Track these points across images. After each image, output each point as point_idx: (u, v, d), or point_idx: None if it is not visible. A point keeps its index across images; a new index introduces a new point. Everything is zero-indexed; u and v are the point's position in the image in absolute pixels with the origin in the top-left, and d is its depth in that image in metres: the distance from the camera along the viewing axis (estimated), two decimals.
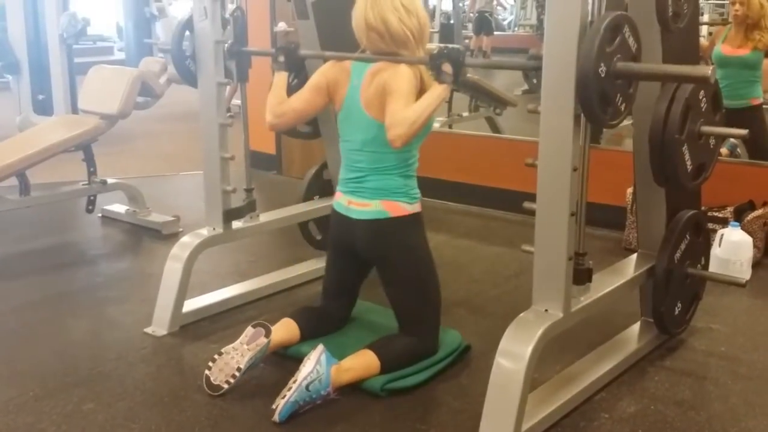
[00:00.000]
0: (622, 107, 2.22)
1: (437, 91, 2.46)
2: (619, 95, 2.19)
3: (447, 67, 2.42)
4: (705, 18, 5.53)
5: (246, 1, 5.51)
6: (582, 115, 2.17)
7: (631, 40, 2.21)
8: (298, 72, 3.23)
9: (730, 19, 4.51)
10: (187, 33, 3.17)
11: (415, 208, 2.68)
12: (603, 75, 2.11)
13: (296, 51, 2.88)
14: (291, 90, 2.86)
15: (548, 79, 2.18)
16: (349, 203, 2.69)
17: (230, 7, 3.23)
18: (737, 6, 4.30)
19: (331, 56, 2.79)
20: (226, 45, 3.12)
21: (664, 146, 2.51)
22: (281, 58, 2.85)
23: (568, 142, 2.17)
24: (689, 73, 2.23)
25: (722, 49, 4.38)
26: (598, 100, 2.12)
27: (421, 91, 2.53)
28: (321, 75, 2.73)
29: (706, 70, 2.12)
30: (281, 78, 2.83)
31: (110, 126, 4.31)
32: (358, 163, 2.66)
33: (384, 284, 2.75)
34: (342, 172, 2.75)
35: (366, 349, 2.60)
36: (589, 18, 2.14)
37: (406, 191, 2.66)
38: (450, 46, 2.46)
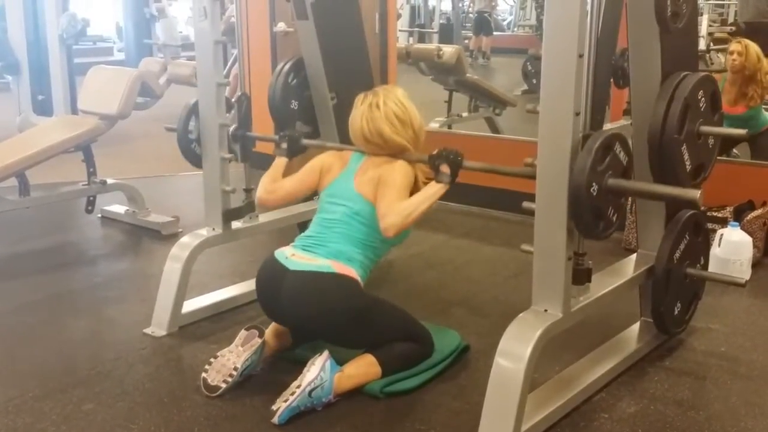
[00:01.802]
0: (614, 219, 2.28)
1: (434, 189, 2.53)
2: (610, 209, 2.25)
3: (445, 168, 2.51)
4: (704, 19, 5.52)
5: (245, 1, 5.50)
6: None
7: (621, 155, 2.27)
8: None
9: (727, 68, 4.50)
10: (193, 117, 3.23)
11: (361, 281, 2.59)
12: (595, 193, 2.17)
13: (299, 140, 2.96)
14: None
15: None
16: (292, 255, 2.59)
17: (228, 11, 3.25)
18: (735, 56, 4.33)
19: (333, 147, 2.92)
20: (231, 129, 3.19)
21: (663, 146, 2.52)
22: (283, 145, 2.94)
23: (566, 143, 2.17)
24: (679, 194, 2.29)
25: None
26: (590, 216, 2.19)
27: (414, 187, 2.62)
28: (318, 160, 2.82)
29: (695, 193, 2.17)
30: (280, 162, 2.92)
31: (110, 126, 4.32)
32: (329, 229, 2.63)
33: (334, 344, 2.62)
34: (302, 235, 2.71)
35: (367, 353, 2.60)
36: (588, 35, 2.15)
37: (363, 266, 2.61)
38: (448, 149, 2.52)
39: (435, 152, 2.54)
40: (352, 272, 2.55)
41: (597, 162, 2.16)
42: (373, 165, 2.66)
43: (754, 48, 4.33)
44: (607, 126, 4.18)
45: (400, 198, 2.53)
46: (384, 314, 2.64)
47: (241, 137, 3.23)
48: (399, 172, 2.60)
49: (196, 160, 3.28)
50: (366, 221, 2.59)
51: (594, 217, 2.21)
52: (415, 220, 2.50)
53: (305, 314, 2.53)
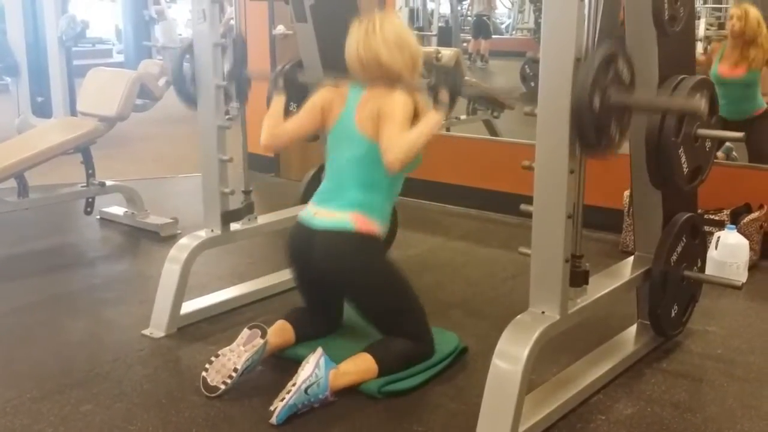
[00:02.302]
0: (617, 137, 2.25)
1: (434, 118, 2.51)
2: (613, 125, 2.22)
3: (443, 95, 2.48)
4: (702, 22, 5.53)
5: (245, 4, 5.51)
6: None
7: (624, 71, 2.23)
8: (299, 101, 3.24)
9: (727, 33, 4.51)
10: (187, 56, 3.19)
11: (383, 230, 2.64)
12: (597, 108, 2.13)
13: (295, 75, 2.93)
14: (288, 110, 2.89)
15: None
16: (315, 213, 2.64)
17: (229, 13, 3.26)
18: (735, 20, 4.31)
19: (329, 81, 2.83)
20: (227, 68, 3.15)
21: (660, 149, 2.53)
22: (280, 83, 2.89)
23: (564, 145, 2.18)
24: (682, 106, 2.26)
25: (719, 69, 4.39)
26: (593, 132, 2.15)
27: (414, 116, 2.57)
28: (316, 97, 2.77)
29: (698, 103, 2.15)
30: (279, 101, 2.85)
31: (109, 128, 4.32)
32: (342, 177, 2.65)
33: (353, 305, 2.70)
34: (321, 187, 2.73)
35: (364, 352, 2.61)
36: (585, 38, 2.15)
37: (382, 212, 2.64)
38: (446, 74, 2.51)
39: (432, 79, 2.50)
40: (373, 225, 2.59)
41: (600, 74, 2.12)
42: (372, 98, 2.60)
43: (754, 12, 4.30)
44: None
45: (401, 131, 2.49)
46: (401, 284, 2.67)
47: (236, 77, 3.20)
48: (398, 104, 2.54)
49: (191, 102, 3.24)
50: (374, 160, 2.55)
51: (597, 131, 2.16)
52: (418, 151, 2.48)
53: (332, 272, 2.60)
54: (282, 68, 2.92)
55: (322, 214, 2.62)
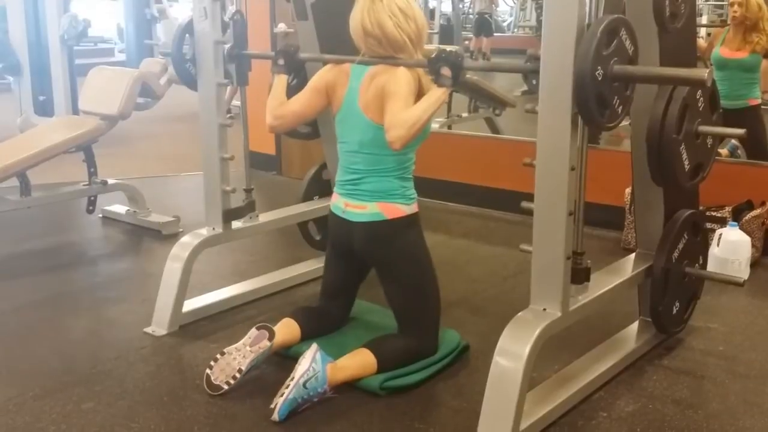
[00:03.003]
0: (620, 110, 2.23)
1: (436, 94, 2.47)
2: (616, 98, 2.20)
3: (446, 71, 2.44)
4: (704, 19, 5.53)
5: (246, 2, 5.51)
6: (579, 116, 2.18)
7: (627, 43, 2.21)
8: (298, 74, 3.24)
9: (728, 21, 4.51)
10: (188, 36, 3.18)
11: (411, 208, 2.68)
12: (600, 78, 2.12)
13: (296, 54, 2.88)
14: (290, 92, 2.87)
15: (546, 82, 2.19)
16: (346, 206, 2.69)
17: (230, 9, 3.24)
18: (736, 7, 4.31)
19: (330, 59, 2.81)
20: (226, 48, 3.13)
21: (661, 146, 2.53)
22: (281, 61, 2.85)
23: (565, 142, 2.18)
24: (687, 75, 2.24)
25: (721, 51, 4.39)
26: (595, 103, 2.13)
27: (419, 94, 2.54)
28: (320, 77, 2.74)
29: (702, 72, 2.13)
30: (281, 80, 2.83)
31: (110, 127, 4.32)
32: (354, 165, 2.66)
33: (383, 285, 2.76)
34: (339, 174, 2.75)
35: (362, 347, 2.61)
36: (587, 20, 2.14)
37: (403, 192, 2.66)
38: (449, 48, 2.47)
39: (434, 55, 2.47)
40: (399, 209, 2.64)
41: (602, 46, 2.11)
42: (376, 76, 2.58)
43: None
44: None
45: (404, 107, 2.46)
46: (428, 261, 2.74)
47: (236, 57, 3.17)
48: (401, 79, 2.51)
49: (190, 81, 3.23)
50: (381, 146, 2.54)
51: (599, 104, 2.15)
52: (421, 128, 2.45)
53: (373, 256, 2.71)
54: (282, 48, 2.89)
55: (352, 207, 2.67)
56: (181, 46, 3.20)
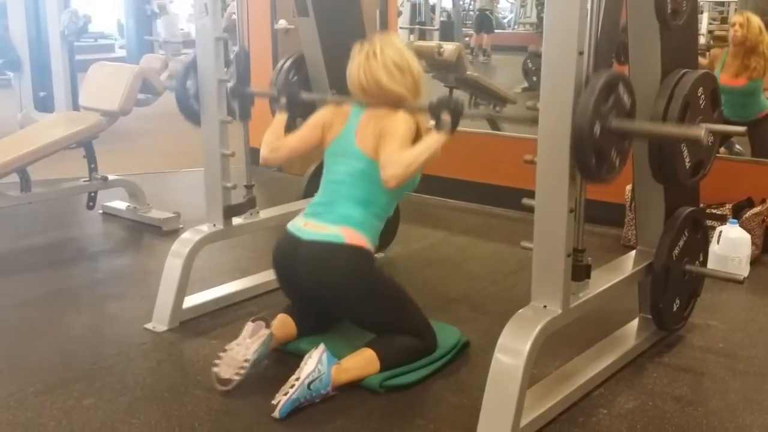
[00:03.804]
0: (617, 162, 2.26)
1: (434, 138, 2.51)
2: (614, 151, 2.23)
3: (446, 116, 2.48)
4: (704, 17, 5.51)
5: None
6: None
7: (625, 97, 2.24)
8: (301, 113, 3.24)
9: (729, 40, 4.50)
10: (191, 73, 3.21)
11: (372, 247, 2.62)
12: (598, 134, 2.14)
13: (298, 94, 2.94)
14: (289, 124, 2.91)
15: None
16: (305, 225, 2.63)
17: (229, 8, 3.25)
18: (737, 27, 4.30)
19: (332, 100, 2.87)
20: (229, 86, 3.16)
21: (663, 143, 2.53)
22: (282, 100, 2.90)
23: (566, 139, 2.18)
24: (683, 133, 2.27)
25: (721, 78, 4.35)
26: (593, 157, 2.16)
27: (415, 138, 2.58)
28: (318, 115, 2.79)
29: (699, 131, 2.16)
30: (281, 118, 2.88)
31: (111, 123, 4.32)
32: (335, 191, 2.65)
33: (347, 317, 2.69)
34: (313, 200, 2.73)
35: (366, 347, 2.61)
36: (588, 32, 2.15)
37: (372, 229, 2.63)
38: (448, 97, 2.52)
39: (435, 101, 2.51)
40: (363, 239, 2.56)
41: (600, 101, 2.13)
42: (374, 118, 2.62)
43: (756, 20, 4.29)
44: None
45: (401, 148, 2.49)
46: (392, 292, 2.66)
47: (239, 93, 3.21)
48: (400, 122, 2.55)
49: (194, 117, 3.25)
50: (370, 178, 2.56)
51: (597, 158, 2.17)
52: (417, 169, 2.48)
53: (319, 284, 2.57)
54: (284, 82, 2.93)
55: (311, 226, 2.61)
56: (186, 83, 3.22)
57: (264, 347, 2.59)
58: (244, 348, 2.56)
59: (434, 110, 2.50)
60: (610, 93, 2.17)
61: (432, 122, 2.52)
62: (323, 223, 2.59)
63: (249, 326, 2.62)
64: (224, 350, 2.59)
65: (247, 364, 2.53)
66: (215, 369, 2.56)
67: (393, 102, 2.62)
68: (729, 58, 4.38)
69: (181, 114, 3.30)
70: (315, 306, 2.76)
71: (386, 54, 2.61)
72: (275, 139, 2.79)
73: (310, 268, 2.56)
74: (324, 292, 2.61)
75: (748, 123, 4.22)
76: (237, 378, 2.53)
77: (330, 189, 2.67)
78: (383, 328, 2.65)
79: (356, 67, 2.64)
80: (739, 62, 4.32)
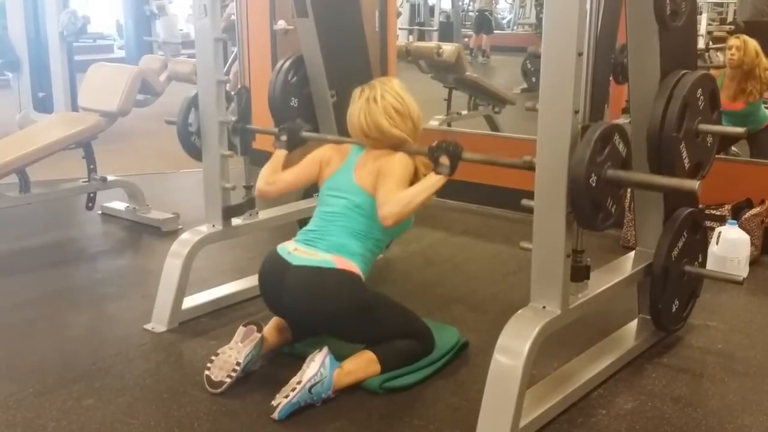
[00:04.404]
0: (613, 210, 2.29)
1: (433, 180, 2.54)
2: (609, 199, 2.26)
3: (444, 160, 2.52)
4: (704, 18, 5.52)
5: None
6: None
7: (621, 147, 2.27)
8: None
9: (725, 63, 4.51)
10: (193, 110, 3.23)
11: (363, 277, 2.60)
12: (594, 184, 2.17)
13: (299, 132, 2.98)
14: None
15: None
16: (294, 250, 2.61)
17: (228, 8, 3.25)
18: (734, 50, 4.33)
19: (332, 140, 2.91)
20: (231, 122, 3.18)
21: (661, 144, 2.53)
22: (283, 137, 2.94)
23: (565, 140, 2.18)
24: (677, 185, 2.29)
25: None
26: (589, 207, 2.19)
27: (414, 179, 2.62)
28: (318, 152, 2.82)
29: (693, 184, 2.18)
30: (280, 154, 2.92)
31: (110, 123, 4.32)
32: (330, 222, 2.64)
33: (339, 339, 2.66)
34: (304, 229, 2.73)
35: (366, 349, 2.61)
36: (587, 32, 2.15)
37: (363, 259, 2.61)
38: (448, 141, 2.55)
39: (434, 144, 2.56)
40: (354, 267, 2.56)
41: (596, 153, 2.16)
42: (373, 157, 2.67)
43: (752, 44, 4.34)
44: None
45: (399, 188, 2.53)
46: (386, 310, 2.65)
47: (241, 130, 3.24)
48: (399, 163, 2.60)
49: (196, 153, 3.28)
50: (366, 213, 2.60)
51: (593, 208, 2.21)
52: (414, 209, 2.51)
53: (307, 309, 2.55)
54: (286, 124, 2.97)
55: (302, 252, 2.59)
56: (187, 119, 3.23)
57: (256, 350, 2.59)
58: (235, 352, 2.57)
59: (433, 153, 2.54)
60: (605, 144, 2.20)
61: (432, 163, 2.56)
62: (314, 250, 2.58)
63: (241, 330, 2.62)
64: (216, 354, 2.60)
65: (238, 368, 2.54)
66: (207, 372, 2.57)
67: (393, 145, 2.67)
68: (726, 80, 4.41)
69: (182, 148, 3.31)
70: (299, 327, 2.75)
71: (387, 99, 2.66)
72: (272, 174, 2.83)
73: (298, 294, 2.53)
74: (313, 318, 2.59)
75: (750, 136, 4.26)
76: (228, 381, 2.53)
77: (325, 220, 2.67)
78: (378, 341, 2.64)
79: (357, 112, 2.68)
80: (735, 85, 4.36)
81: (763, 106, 4.49)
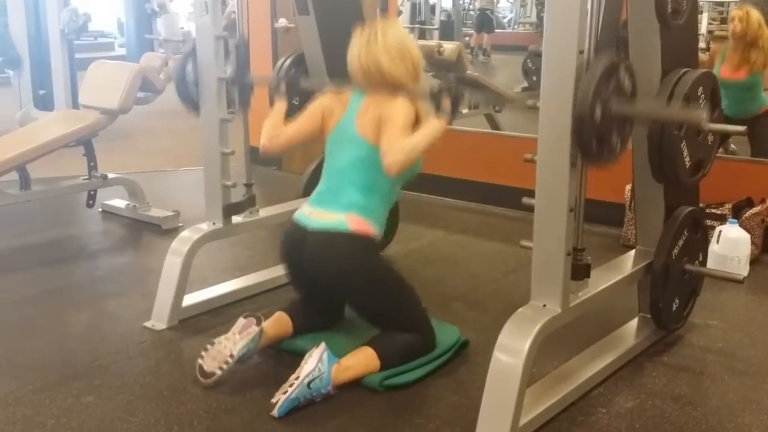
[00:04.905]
0: (618, 147, 2.25)
1: (435, 125, 2.51)
2: (615, 135, 2.22)
3: (446, 103, 2.48)
4: (704, 17, 5.52)
5: None
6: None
7: (626, 82, 2.23)
8: (301, 101, 3.24)
9: (728, 35, 4.50)
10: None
11: (378, 236, 2.63)
12: (599, 118, 2.13)
13: (297, 81, 2.94)
14: (292, 110, 2.89)
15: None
16: (310, 213, 2.63)
17: (229, 6, 3.24)
18: (736, 22, 4.31)
19: (331, 87, 2.85)
20: (229, 74, 3.15)
21: (662, 143, 2.53)
22: (282, 88, 2.90)
23: (566, 138, 2.18)
24: (683, 116, 2.26)
25: (722, 72, 4.37)
26: (594, 142, 2.15)
27: (415, 124, 2.57)
28: (317, 103, 2.78)
29: (700, 114, 2.15)
30: (280, 106, 2.87)
31: (111, 121, 4.32)
32: (340, 179, 2.65)
33: (350, 306, 2.71)
34: (318, 188, 2.73)
35: (366, 346, 2.61)
36: (588, 30, 2.14)
37: (379, 216, 2.63)
38: (448, 83, 2.54)
39: (435, 87, 2.51)
40: (368, 226, 2.57)
41: (601, 86, 2.12)
42: (374, 104, 2.61)
43: (755, 14, 4.29)
44: None
45: (402, 135, 2.49)
46: (396, 282, 2.66)
47: (239, 82, 3.20)
48: (400, 109, 2.55)
49: (194, 105, 3.24)
50: (373, 165, 2.56)
51: (598, 142, 2.16)
52: (417, 156, 2.48)
53: (324, 273, 2.58)
54: (284, 73, 2.92)
55: (317, 214, 2.61)
56: (185, 72, 3.21)
57: (252, 344, 2.58)
58: (231, 343, 2.56)
59: (434, 96, 2.50)
60: (611, 77, 2.16)
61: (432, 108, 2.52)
62: (329, 211, 2.60)
63: (240, 322, 2.62)
64: (211, 343, 2.59)
65: (231, 360, 2.53)
66: (200, 361, 2.56)
67: (393, 86, 2.61)
68: (729, 52, 4.39)
69: (179, 99, 3.26)
70: (320, 298, 2.77)
71: (387, 38, 2.61)
72: (274, 128, 2.78)
73: (315, 257, 2.57)
74: (329, 281, 2.62)
75: (747, 120, 4.24)
76: (219, 372, 2.52)
77: (333, 175, 2.67)
78: (383, 320, 2.66)
79: (357, 51, 2.64)
80: (739, 56, 4.33)
81: (763, 91, 4.47)
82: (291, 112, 2.86)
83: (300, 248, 2.61)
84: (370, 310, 2.67)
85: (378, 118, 2.57)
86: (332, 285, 2.65)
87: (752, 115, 4.36)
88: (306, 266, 2.62)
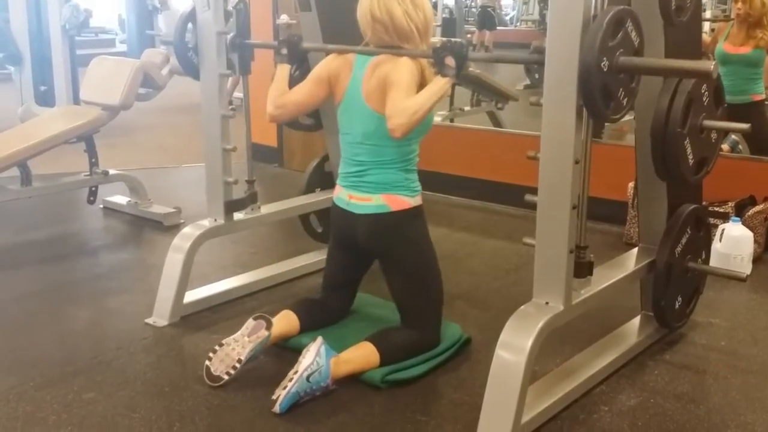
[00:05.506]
0: (624, 101, 2.22)
1: (439, 84, 2.45)
2: (621, 89, 2.19)
3: (450, 61, 2.42)
4: (707, 14, 5.52)
5: None
6: (584, 108, 2.17)
7: (633, 35, 2.19)
8: (301, 65, 3.23)
9: (732, 17, 4.51)
10: (190, 25, 3.17)
11: (416, 200, 2.68)
12: (605, 69, 2.10)
13: (299, 44, 2.86)
14: (293, 82, 2.86)
15: (551, 73, 2.18)
16: (350, 198, 2.68)
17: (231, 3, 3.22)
18: (739, 4, 4.31)
19: (333, 49, 2.79)
20: (229, 37, 3.12)
21: (666, 140, 2.52)
22: (284, 51, 2.84)
23: (570, 134, 2.17)
24: (691, 67, 2.22)
25: (724, 47, 4.40)
26: (600, 95, 2.12)
27: (421, 85, 2.53)
28: (323, 67, 2.73)
29: (708, 65, 2.12)
30: (283, 70, 2.82)
31: (112, 117, 4.32)
32: (358, 157, 2.66)
33: (386, 276, 2.76)
34: (342, 166, 2.74)
35: (365, 341, 2.61)
36: (593, 12, 2.13)
37: (407, 185, 2.66)
38: (453, 39, 2.45)
39: (439, 44, 2.45)
40: (404, 200, 2.64)
41: (608, 37, 2.09)
42: (378, 65, 2.57)
43: None
44: None
45: (406, 96, 2.45)
46: (433, 255, 2.75)
47: (239, 46, 3.17)
48: (404, 69, 2.50)
49: (193, 71, 3.21)
50: (385, 137, 2.52)
51: (604, 96, 2.13)
52: (423, 117, 2.44)
53: (381, 246, 2.69)
54: (285, 37, 2.87)
55: (356, 199, 2.66)
56: (184, 35, 3.18)
57: (260, 347, 2.60)
58: (240, 346, 2.56)
59: (438, 55, 2.43)
60: (618, 29, 2.12)
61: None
62: (364, 194, 2.65)
63: (250, 323, 2.61)
64: (221, 344, 2.59)
65: (239, 365, 2.54)
66: (207, 363, 2.56)
67: (400, 38, 2.57)
68: (734, 30, 4.41)
69: (180, 65, 3.25)
70: (348, 276, 2.88)
71: None
72: (280, 95, 2.74)
73: (371, 237, 2.68)
74: (380, 252, 2.74)
75: (743, 107, 4.24)
76: (226, 377, 2.53)
77: (351, 151, 2.68)
78: (410, 295, 2.71)
79: (369, 1, 2.57)
80: (744, 33, 4.34)
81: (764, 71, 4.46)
82: (291, 84, 2.82)
83: (353, 230, 2.69)
84: (404, 280, 2.71)
85: (383, 79, 2.52)
86: (382, 254, 2.73)
87: (746, 100, 4.37)
88: (362, 245, 2.71)
